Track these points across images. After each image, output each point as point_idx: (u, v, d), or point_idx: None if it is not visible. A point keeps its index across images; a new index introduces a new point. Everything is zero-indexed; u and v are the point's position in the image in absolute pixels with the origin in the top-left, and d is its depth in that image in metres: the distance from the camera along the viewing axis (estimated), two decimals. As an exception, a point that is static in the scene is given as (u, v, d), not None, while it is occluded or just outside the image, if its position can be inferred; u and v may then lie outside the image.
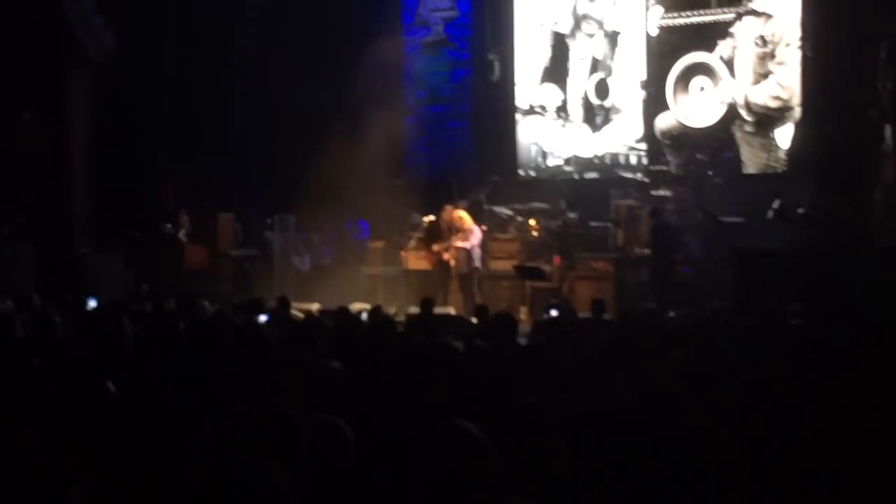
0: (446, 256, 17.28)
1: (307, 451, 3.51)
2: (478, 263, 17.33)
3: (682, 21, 19.40)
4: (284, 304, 12.75)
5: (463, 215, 17.34)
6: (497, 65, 21.36)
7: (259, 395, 3.99)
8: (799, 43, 18.20)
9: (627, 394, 4.61)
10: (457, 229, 17.20)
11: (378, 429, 4.58)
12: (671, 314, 11.57)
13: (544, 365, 6.53)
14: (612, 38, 20.23)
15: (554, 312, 12.08)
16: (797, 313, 9.09)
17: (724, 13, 18.93)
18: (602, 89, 20.32)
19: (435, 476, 3.53)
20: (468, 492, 3.50)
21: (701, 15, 19.21)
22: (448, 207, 17.92)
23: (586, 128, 20.45)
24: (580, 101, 20.54)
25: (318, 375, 5.87)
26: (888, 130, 13.23)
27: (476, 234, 17.27)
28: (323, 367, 6.08)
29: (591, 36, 20.45)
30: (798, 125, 18.17)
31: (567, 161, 20.65)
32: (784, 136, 18.39)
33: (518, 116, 21.16)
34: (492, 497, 3.52)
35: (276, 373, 5.76)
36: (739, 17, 18.80)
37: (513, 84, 21.28)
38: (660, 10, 19.59)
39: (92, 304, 12.51)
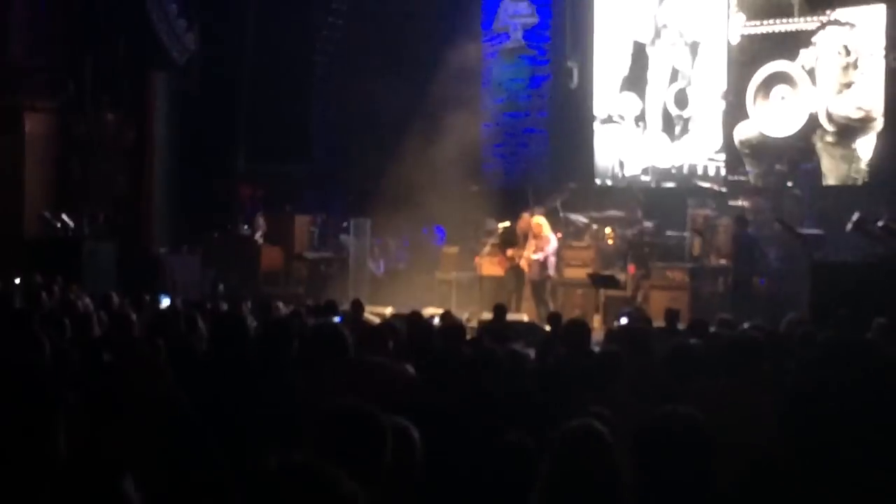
0: (521, 263, 17.27)
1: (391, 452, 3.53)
2: (552, 271, 17.29)
3: (763, 29, 19.19)
4: (358, 307, 12.79)
5: (541, 222, 17.31)
6: (576, 72, 21.28)
7: (335, 396, 4.00)
8: (883, 53, 17.94)
9: (697, 404, 4.56)
10: (533, 236, 17.18)
11: (448, 434, 4.59)
12: (745, 325, 11.43)
13: (617, 373, 6.50)
14: (693, 47, 20.07)
15: (624, 320, 12.02)
16: (881, 329, 8.94)
17: (808, 22, 18.68)
18: (681, 99, 20.16)
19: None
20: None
21: (783, 23, 18.98)
22: (524, 215, 17.94)
23: (664, 137, 20.30)
24: (659, 111, 20.40)
25: (392, 379, 5.89)
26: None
27: (552, 242, 17.25)
28: (397, 371, 6.10)
29: (672, 45, 20.31)
30: (880, 137, 17.89)
31: (644, 170, 20.51)
32: (866, 147, 18.11)
33: (596, 125, 21.06)
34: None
35: (351, 375, 5.78)
36: (823, 26, 18.54)
37: (591, 92, 21.18)
38: (742, 17, 19.40)
39: (165, 302, 12.67)
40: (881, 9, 18.02)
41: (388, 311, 15.14)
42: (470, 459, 4.72)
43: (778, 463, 4.36)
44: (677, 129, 20.16)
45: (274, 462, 2.37)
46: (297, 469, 2.33)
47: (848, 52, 18.28)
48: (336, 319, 11.34)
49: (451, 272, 19.16)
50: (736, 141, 19.34)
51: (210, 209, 19.51)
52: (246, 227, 19.56)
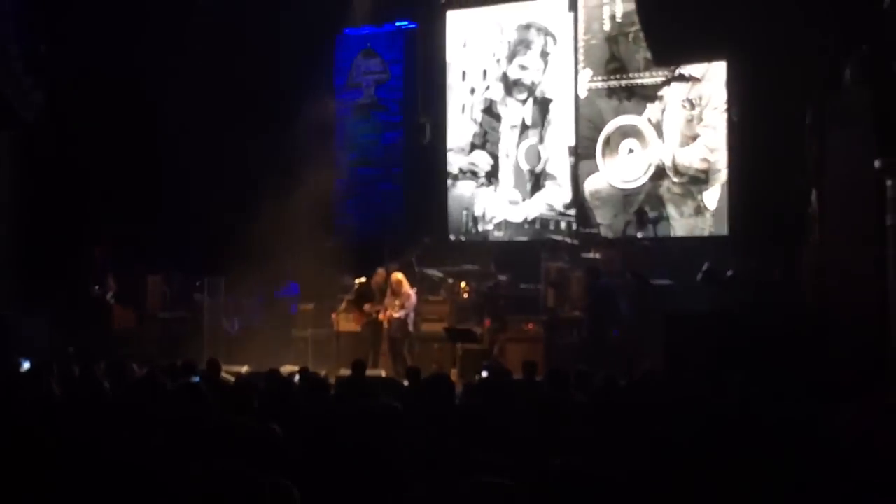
0: (382, 318, 17.29)
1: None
2: (412, 328, 17.37)
3: (611, 83, 19.67)
4: (215, 366, 12.62)
5: (401, 278, 17.38)
6: (428, 128, 21.43)
7: (202, 459, 3.91)
8: (725, 107, 18.51)
9: (571, 454, 4.60)
10: (392, 292, 17.22)
11: (327, 491, 4.54)
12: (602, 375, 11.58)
13: (483, 426, 6.52)
14: (543, 104, 20.43)
15: (485, 374, 12.07)
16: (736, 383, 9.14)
17: (653, 77, 19.22)
18: (532, 155, 20.48)
19: None
20: None
21: (630, 78, 19.49)
22: (380, 270, 18.00)
23: (517, 193, 20.57)
24: (511, 166, 20.68)
25: (258, 439, 5.80)
26: (814, 194, 13.43)
27: (412, 299, 17.34)
28: (263, 431, 6.01)
29: (523, 102, 20.64)
30: (725, 188, 18.43)
31: (497, 225, 20.74)
32: (712, 198, 18.63)
33: (449, 181, 21.24)
34: None
35: (215, 436, 5.68)
36: (668, 81, 19.10)
37: (444, 148, 21.37)
38: (589, 73, 19.84)
39: (26, 365, 12.34)
40: (722, 66, 18.60)
41: (245, 369, 14.98)
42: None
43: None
44: (529, 185, 20.44)
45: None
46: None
47: (692, 106, 18.82)
48: (194, 379, 11.18)
49: (307, 329, 19.05)
50: (586, 193, 19.69)
51: (59, 270, 19.06)
52: (97, 287, 19.16)
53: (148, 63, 20.04)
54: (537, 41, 20.61)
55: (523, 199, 20.52)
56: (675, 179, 18.95)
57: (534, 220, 20.37)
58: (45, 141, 19.42)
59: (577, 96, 20.03)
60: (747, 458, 4.93)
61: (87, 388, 8.07)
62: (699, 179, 18.78)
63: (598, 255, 17.81)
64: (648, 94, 19.34)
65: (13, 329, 16.98)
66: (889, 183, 11.57)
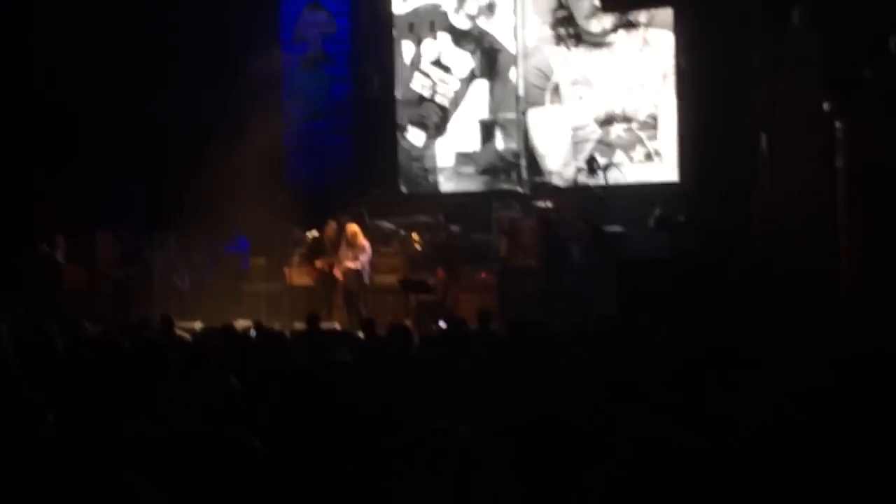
0: (336, 272, 17.26)
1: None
2: (367, 280, 17.35)
3: (559, 31, 19.68)
4: (168, 323, 12.59)
5: (357, 230, 17.36)
6: (376, 81, 21.34)
7: (164, 416, 3.89)
8: (672, 52, 18.56)
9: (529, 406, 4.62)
10: (348, 244, 17.18)
11: (287, 443, 4.54)
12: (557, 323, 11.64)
13: (440, 378, 6.53)
14: (491, 54, 20.40)
15: (443, 324, 12.08)
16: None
17: (601, 23, 19.35)
18: (481, 105, 20.47)
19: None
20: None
21: (577, 25, 19.53)
22: (331, 223, 17.94)
23: (467, 143, 20.56)
24: (460, 118, 20.65)
25: (218, 394, 5.78)
26: (764, 138, 13.50)
27: (367, 251, 17.31)
28: (221, 386, 5.98)
29: (472, 52, 20.59)
30: (675, 134, 18.52)
31: (448, 176, 20.74)
32: (662, 145, 18.72)
33: (398, 133, 21.18)
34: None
35: (176, 392, 5.65)
36: (615, 28, 19.21)
37: (392, 100, 21.29)
38: (537, 20, 19.83)
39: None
40: (669, 11, 18.64)
41: (198, 325, 14.94)
42: (315, 469, 4.68)
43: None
44: (479, 135, 20.44)
45: None
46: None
47: (640, 52, 18.87)
48: (149, 336, 11.13)
49: (260, 283, 19.00)
50: (535, 142, 19.72)
51: (7, 230, 18.86)
52: (45, 246, 18.96)
53: (96, 16, 19.82)
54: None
55: (473, 150, 20.50)
56: (625, 126, 19.02)
57: (484, 170, 20.37)
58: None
59: (524, 45, 20.00)
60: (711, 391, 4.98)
61: (41, 350, 7.99)
62: (648, 125, 18.87)
63: (549, 204, 17.81)
64: (596, 42, 19.37)
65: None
66: (838, 125, 11.64)
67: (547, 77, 19.73)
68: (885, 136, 11.29)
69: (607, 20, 19.25)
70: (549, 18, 19.81)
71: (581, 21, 19.54)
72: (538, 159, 19.78)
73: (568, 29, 19.65)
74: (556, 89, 19.68)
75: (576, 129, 19.40)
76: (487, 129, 20.39)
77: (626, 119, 19.03)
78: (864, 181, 11.34)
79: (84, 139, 20.11)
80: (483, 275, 17.49)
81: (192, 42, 20.41)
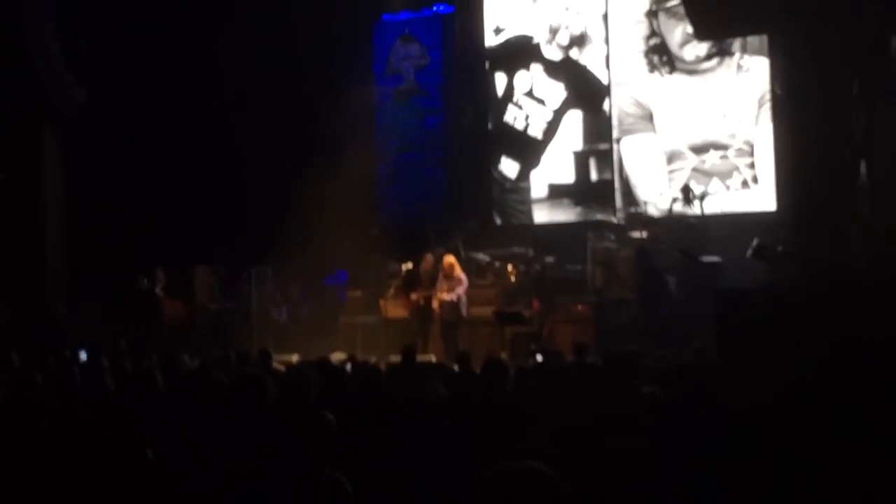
0: (433, 304, 17.23)
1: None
2: (464, 312, 17.26)
3: (653, 59, 19.61)
4: (266, 356, 12.66)
5: (454, 262, 17.29)
6: (469, 113, 21.41)
7: (260, 452, 3.89)
8: (768, 79, 18.36)
9: (632, 437, 4.54)
10: (445, 276, 17.14)
11: (379, 483, 4.51)
12: (654, 355, 11.50)
13: (535, 413, 6.47)
14: (584, 83, 20.39)
15: (539, 357, 12.00)
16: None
17: (694, 50, 19.20)
18: (574, 135, 20.44)
19: None
20: None
21: (671, 53, 19.43)
22: (428, 256, 17.95)
23: (560, 174, 20.53)
24: (553, 149, 20.64)
25: (313, 429, 5.78)
26: (863, 166, 13.26)
27: (465, 283, 17.25)
28: (318, 421, 5.99)
29: (563, 83, 20.59)
30: (771, 162, 18.29)
31: (542, 207, 20.70)
32: (758, 172, 18.50)
33: (492, 164, 21.21)
34: None
35: (271, 428, 5.67)
36: (709, 55, 19.11)
37: (486, 131, 21.33)
38: (629, 49, 19.77)
39: (83, 356, 12.48)
40: (765, 38, 18.45)
41: (295, 358, 15.00)
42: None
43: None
44: (573, 165, 20.41)
45: None
46: None
47: (735, 79, 18.71)
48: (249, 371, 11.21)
49: (356, 316, 19.05)
50: (630, 171, 19.61)
51: (107, 264, 19.16)
52: (145, 280, 19.24)
53: (189, 54, 20.11)
54: (576, 22, 20.50)
55: (567, 181, 20.44)
56: (720, 153, 18.82)
57: (578, 201, 20.29)
58: (91, 136, 19.53)
59: (617, 74, 19.95)
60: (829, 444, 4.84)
61: (141, 383, 8.08)
62: (744, 152, 18.68)
63: (644, 234, 17.68)
64: (690, 69, 19.24)
65: (66, 324, 17.14)
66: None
67: (641, 105, 19.62)
68: None
69: (701, 47, 19.11)
70: (642, 46, 19.74)
71: (674, 49, 19.44)
72: (632, 189, 19.66)
73: (661, 57, 19.56)
74: (649, 117, 19.57)
75: (670, 158, 19.25)
76: (581, 160, 20.31)
77: (722, 146, 18.84)
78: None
79: (182, 174, 20.40)
80: (579, 307, 17.37)
81: (287, 77, 20.65)
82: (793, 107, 17.30)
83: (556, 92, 20.66)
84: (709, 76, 19.14)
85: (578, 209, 20.27)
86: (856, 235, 13.93)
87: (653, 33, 19.70)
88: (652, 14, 19.73)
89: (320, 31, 20.98)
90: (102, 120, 19.79)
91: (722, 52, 19.02)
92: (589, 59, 20.38)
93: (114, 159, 19.98)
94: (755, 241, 15.01)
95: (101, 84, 19.52)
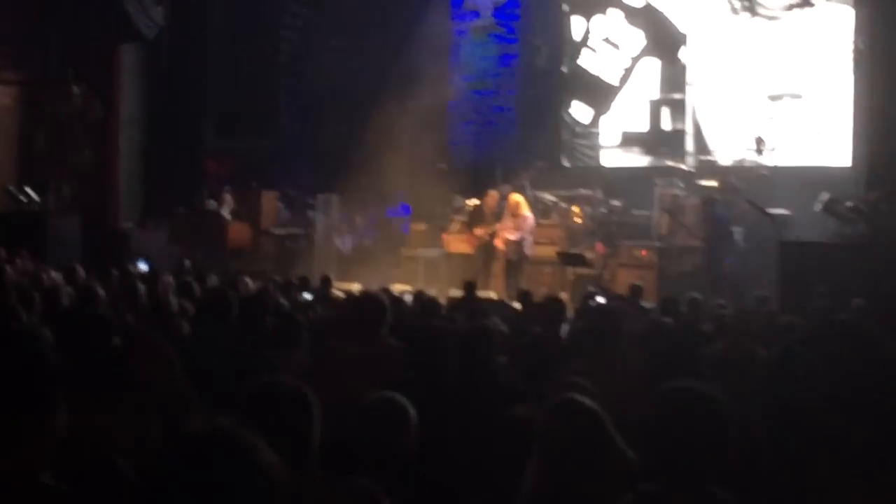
0: (497, 242, 17.20)
1: (318, 426, 3.52)
2: (528, 251, 17.21)
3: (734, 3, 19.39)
4: (327, 283, 12.81)
5: (520, 200, 17.19)
6: (544, 52, 21.28)
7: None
8: (852, 34, 18.05)
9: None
10: (511, 214, 17.10)
11: (437, 411, 4.58)
12: (719, 302, 11.48)
13: (591, 349, 6.52)
14: (661, 29, 20.16)
15: (600, 299, 11.99)
16: (859, 310, 8.98)
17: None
18: (648, 82, 20.29)
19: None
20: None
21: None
22: (492, 192, 17.94)
23: (633, 120, 20.41)
24: (627, 94, 20.50)
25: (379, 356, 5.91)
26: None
27: (530, 222, 17.14)
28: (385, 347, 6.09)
29: (642, 29, 20.39)
30: (849, 117, 18.04)
31: (613, 151, 20.62)
32: (833, 124, 18.26)
33: (563, 106, 21.13)
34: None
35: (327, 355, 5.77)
36: (791, 7, 18.75)
37: (559, 73, 21.23)
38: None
39: (143, 267, 12.67)
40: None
41: (356, 287, 15.11)
42: (471, 434, 4.74)
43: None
44: (648, 112, 20.27)
45: (195, 427, 2.33)
46: (217, 435, 2.29)
47: (819, 29, 18.45)
48: (307, 296, 11.34)
49: (419, 249, 19.10)
50: (702, 117, 19.46)
51: (177, 184, 19.38)
52: (213, 202, 19.43)
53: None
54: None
55: (639, 130, 20.32)
56: (796, 103, 18.58)
57: (649, 150, 20.16)
58: (167, 56, 19.67)
59: (697, 18, 19.74)
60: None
61: (207, 301, 8.19)
62: (821, 104, 18.40)
63: (714, 183, 17.53)
64: (771, 15, 18.96)
65: (133, 240, 17.39)
66: None
67: (719, 49, 19.41)
68: None
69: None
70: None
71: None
72: (704, 136, 19.49)
73: (743, 1, 19.28)
74: (727, 62, 19.35)
75: (746, 106, 19.03)
76: (655, 109, 20.16)
77: (798, 96, 18.60)
78: None
79: (256, 98, 20.53)
80: (643, 252, 17.30)
81: (364, 8, 20.63)
82: (874, 62, 17.04)
83: (633, 38, 20.45)
84: (790, 23, 18.83)
85: (649, 158, 20.13)
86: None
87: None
88: (735, -44, 19.45)
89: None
90: (180, 42, 19.91)
91: (805, 3, 18.71)
92: (669, 6, 20.12)
93: (189, 82, 20.13)
94: (825, 196, 14.86)
95: (181, 6, 19.62)
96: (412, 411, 4.02)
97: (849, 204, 14.37)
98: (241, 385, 3.76)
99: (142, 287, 9.43)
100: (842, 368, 5.13)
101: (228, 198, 19.48)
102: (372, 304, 6.70)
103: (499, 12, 21.90)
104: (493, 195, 17.95)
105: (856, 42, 17.90)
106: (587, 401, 3.72)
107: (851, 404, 4.80)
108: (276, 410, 3.45)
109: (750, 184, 17.04)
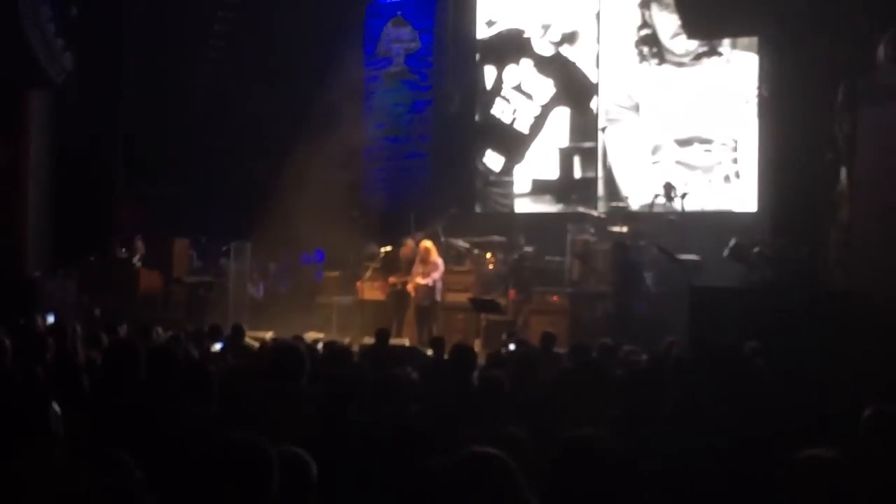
0: (409, 288, 17.29)
1: (277, 485, 3.48)
2: (439, 297, 17.32)
3: (643, 49, 19.66)
4: (239, 332, 12.69)
5: (430, 247, 17.35)
6: (457, 99, 21.43)
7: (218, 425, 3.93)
8: (756, 81, 18.42)
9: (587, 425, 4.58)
10: (421, 260, 17.20)
11: (340, 462, 4.55)
12: (626, 349, 11.55)
13: (502, 397, 6.53)
14: (573, 82, 20.39)
15: (512, 346, 12.03)
16: (753, 351, 9.09)
17: (684, 44, 19.21)
18: (560, 130, 20.48)
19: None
20: None
21: (661, 45, 19.47)
22: (408, 241, 18.01)
23: (545, 167, 20.56)
24: (539, 141, 20.66)
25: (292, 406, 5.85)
26: (843, 173, 13.32)
27: (440, 268, 17.30)
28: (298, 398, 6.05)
29: (554, 80, 20.61)
30: (755, 162, 18.35)
31: (524, 198, 20.74)
32: (740, 170, 18.58)
33: (477, 153, 21.24)
34: None
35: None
36: (699, 53, 19.08)
37: (472, 119, 21.35)
38: (620, 38, 19.81)
39: (50, 319, 12.47)
40: (754, 39, 18.50)
41: (269, 335, 15.04)
42: (382, 484, 4.72)
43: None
44: (557, 159, 20.44)
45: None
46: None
47: (723, 78, 18.79)
48: (218, 345, 11.25)
49: (333, 296, 19.08)
50: (614, 163, 19.66)
51: (87, 232, 19.14)
52: (124, 250, 19.24)
53: (180, 25, 20.08)
54: (568, 18, 20.52)
55: (551, 177, 20.49)
56: (704, 147, 18.90)
57: (561, 198, 20.33)
58: (77, 102, 19.47)
59: (607, 63, 20.00)
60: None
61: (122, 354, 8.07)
62: (728, 148, 18.73)
63: (624, 229, 17.70)
64: (679, 62, 19.29)
65: (41, 290, 17.11)
66: (919, 161, 11.45)
67: (628, 96, 19.68)
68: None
69: (692, 41, 19.13)
70: (633, 37, 19.76)
71: (665, 40, 19.48)
72: (615, 182, 19.70)
73: (652, 48, 19.60)
74: (636, 108, 19.62)
75: (655, 150, 19.31)
76: (566, 157, 20.36)
77: (706, 140, 18.91)
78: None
79: (167, 146, 20.39)
80: (555, 298, 17.41)
81: (277, 53, 20.62)
82: (778, 108, 17.36)
83: (544, 87, 20.67)
84: (697, 69, 19.18)
85: (560, 206, 20.28)
86: (833, 241, 13.98)
87: (644, 24, 19.74)
88: (644, 5, 19.76)
89: (314, 9, 20.94)
90: (91, 87, 19.72)
91: (711, 46, 19.06)
92: (579, 56, 20.39)
93: (100, 127, 19.92)
94: (732, 241, 15.06)
95: (90, 51, 19.45)
96: (313, 467, 3.99)
97: (755, 250, 14.58)
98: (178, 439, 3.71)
99: (49, 339, 9.27)
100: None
101: (140, 245, 19.29)
102: (288, 354, 6.66)
103: (411, 58, 22.01)
104: (407, 243, 18.05)
105: (760, 90, 18.26)
106: (496, 452, 3.72)
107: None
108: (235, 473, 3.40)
109: (660, 229, 17.23)
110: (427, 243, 17.48)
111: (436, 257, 17.37)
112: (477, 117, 21.35)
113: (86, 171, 19.63)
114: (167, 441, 5.07)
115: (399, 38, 22.12)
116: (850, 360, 9.65)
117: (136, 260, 19.10)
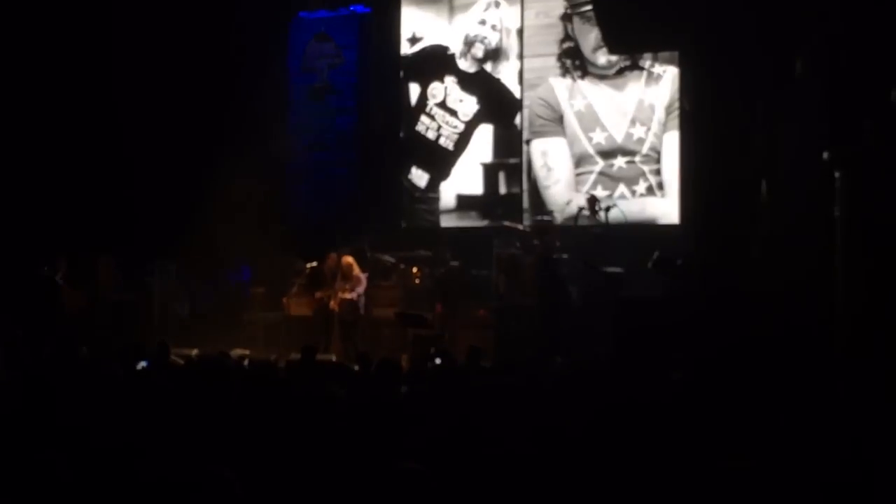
0: (332, 304, 17.31)
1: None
2: (363, 311, 17.38)
3: (565, 62, 19.82)
4: (164, 349, 12.60)
5: (352, 262, 17.41)
6: (381, 115, 21.46)
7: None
8: (677, 94, 18.64)
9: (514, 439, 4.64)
10: (343, 276, 17.25)
11: (271, 481, 4.56)
12: (557, 360, 11.69)
13: (428, 411, 6.56)
14: (497, 98, 20.50)
15: (438, 360, 12.07)
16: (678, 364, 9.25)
17: (606, 57, 19.37)
18: (485, 146, 20.57)
19: None
20: None
21: (584, 58, 19.64)
22: (332, 255, 17.97)
23: (470, 182, 20.63)
24: (464, 158, 20.73)
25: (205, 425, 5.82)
26: (764, 185, 13.54)
27: (363, 283, 17.37)
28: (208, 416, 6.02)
29: (478, 96, 20.70)
30: (677, 174, 18.56)
31: (450, 212, 20.79)
32: (663, 180, 18.77)
33: (402, 168, 21.25)
34: None
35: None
36: (622, 67, 19.30)
37: (397, 134, 21.37)
38: (542, 51, 19.94)
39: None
40: (675, 54, 18.74)
41: (195, 352, 14.94)
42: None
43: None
44: (482, 173, 20.53)
45: None
46: None
47: (645, 90, 18.98)
48: (142, 363, 11.17)
49: (259, 312, 19.01)
50: (539, 175, 19.80)
51: (8, 251, 18.89)
52: (46, 268, 18.99)
53: (98, 38, 19.90)
54: (491, 36, 20.62)
55: (475, 193, 20.57)
56: (627, 159, 19.08)
57: (486, 213, 20.41)
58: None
59: (530, 75, 20.12)
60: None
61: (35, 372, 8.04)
62: (651, 159, 18.92)
63: (547, 242, 17.76)
64: (601, 74, 19.48)
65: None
66: (837, 175, 11.67)
67: (551, 108, 19.80)
68: (884, 187, 11.33)
69: (614, 55, 19.30)
70: (555, 49, 19.90)
71: (587, 53, 19.63)
72: (540, 195, 19.80)
73: (574, 61, 19.74)
74: (559, 120, 19.75)
75: (579, 162, 19.46)
76: (490, 173, 20.45)
77: (630, 152, 19.10)
78: (860, 231, 11.37)
79: (88, 163, 20.18)
80: (481, 312, 17.47)
81: (199, 68, 20.49)
82: (698, 122, 17.56)
83: (468, 104, 20.74)
84: (620, 82, 19.35)
85: (486, 221, 20.33)
86: (755, 252, 14.18)
87: (567, 37, 19.89)
88: (567, 18, 19.92)
89: (237, 25, 20.88)
90: (5, 102, 19.50)
91: (634, 59, 19.25)
92: (503, 73, 20.49)
93: (17, 143, 19.69)
94: (655, 254, 15.24)
95: (2, 65, 19.25)
96: (237, 487, 3.98)
97: (678, 261, 14.77)
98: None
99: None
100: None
101: (62, 263, 19.06)
102: (215, 371, 6.66)
103: (335, 74, 21.99)
104: (332, 258, 18.00)
105: (681, 102, 18.49)
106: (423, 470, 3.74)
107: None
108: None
109: (583, 242, 17.35)
110: (348, 258, 17.54)
111: (358, 272, 17.46)
112: (402, 134, 21.36)
113: (4, 188, 19.38)
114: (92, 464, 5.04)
115: (323, 53, 22.09)
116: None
117: (58, 278, 18.87)
